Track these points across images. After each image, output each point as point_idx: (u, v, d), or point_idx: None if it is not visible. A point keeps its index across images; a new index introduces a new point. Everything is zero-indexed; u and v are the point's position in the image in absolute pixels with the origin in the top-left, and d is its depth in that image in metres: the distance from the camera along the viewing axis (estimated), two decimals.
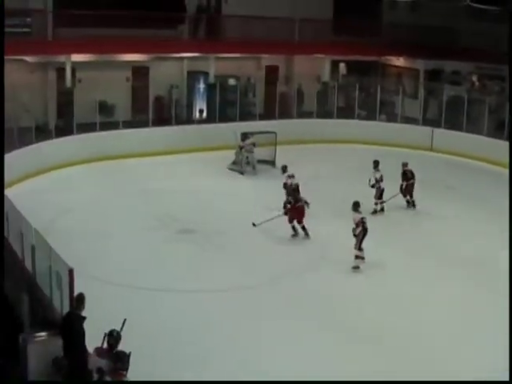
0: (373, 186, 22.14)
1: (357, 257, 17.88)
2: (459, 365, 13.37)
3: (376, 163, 22.53)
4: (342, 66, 38.46)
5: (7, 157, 22.14)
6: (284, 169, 22.07)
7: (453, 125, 31.84)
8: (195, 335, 14.20)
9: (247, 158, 27.41)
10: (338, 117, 33.61)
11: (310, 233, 19.90)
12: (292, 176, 21.21)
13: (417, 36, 34.98)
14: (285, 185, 21.18)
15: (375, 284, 17.15)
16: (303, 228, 20.03)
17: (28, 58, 29.15)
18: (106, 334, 10.51)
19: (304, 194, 20.60)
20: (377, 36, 36.33)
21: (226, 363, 13.22)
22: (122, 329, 10.40)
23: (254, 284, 16.83)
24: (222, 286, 16.60)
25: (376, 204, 22.57)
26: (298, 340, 14.11)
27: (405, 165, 23.29)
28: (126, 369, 10.18)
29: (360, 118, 34.02)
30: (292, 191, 20.64)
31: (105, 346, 10.51)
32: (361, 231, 17.84)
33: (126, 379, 10.29)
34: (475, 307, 15.83)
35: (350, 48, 35.22)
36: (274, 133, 28.23)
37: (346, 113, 33.91)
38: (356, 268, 17.85)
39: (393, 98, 35.48)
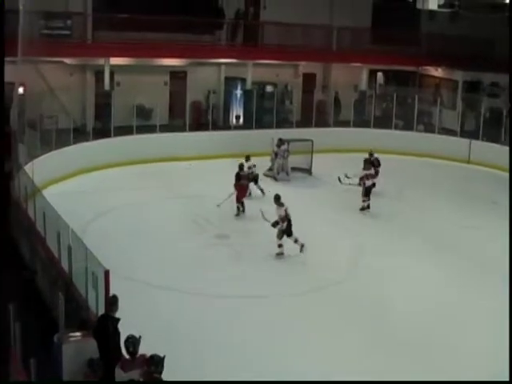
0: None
1: (280, 245, 18.69)
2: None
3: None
4: (379, 75, 38.31)
5: (45, 157, 22.52)
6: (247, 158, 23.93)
7: (491, 137, 31.43)
8: (231, 340, 14.07)
9: (282, 164, 27.26)
10: (375, 126, 33.39)
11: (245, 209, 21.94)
12: (254, 166, 23.69)
13: (455, 47, 34.73)
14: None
15: (414, 294, 16.91)
16: (242, 204, 22.11)
17: (67, 60, 29.36)
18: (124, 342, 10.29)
19: (339, 204, 20.46)
20: (415, 46, 36.19)
21: (262, 368, 13.04)
22: (162, 365, 9.94)
23: (291, 291, 16.68)
24: (259, 293, 16.46)
25: (363, 201, 23.21)
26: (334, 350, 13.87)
27: (371, 154, 25.34)
28: (160, 372, 10.04)
29: (397, 128, 33.77)
30: (246, 177, 22.90)
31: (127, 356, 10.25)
32: (285, 223, 18.62)
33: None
34: None
35: (388, 57, 35.14)
36: (311, 141, 28.04)
37: (383, 122, 33.67)
38: (280, 254, 18.71)
39: (431, 108, 35.24)
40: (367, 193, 23.37)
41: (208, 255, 18.83)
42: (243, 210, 22.22)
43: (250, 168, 23.52)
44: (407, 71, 37.73)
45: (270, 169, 27.57)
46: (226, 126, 32.23)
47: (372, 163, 24.39)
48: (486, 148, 31.28)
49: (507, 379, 11.47)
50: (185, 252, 18.92)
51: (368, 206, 23.33)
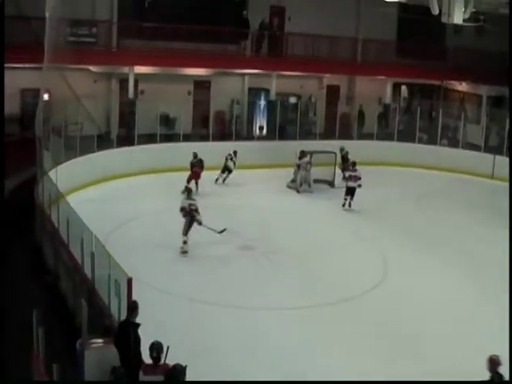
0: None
1: (184, 242, 19.23)
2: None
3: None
4: (403, 88, 38.30)
5: (69, 164, 22.62)
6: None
7: None
8: (248, 353, 14.04)
9: (304, 176, 27.23)
10: (399, 140, 33.28)
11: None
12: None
13: (481, 61, 34.65)
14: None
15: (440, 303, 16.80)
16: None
17: (92, 68, 29.52)
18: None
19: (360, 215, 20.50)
20: (440, 60, 36.12)
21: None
22: (166, 357, 10.14)
23: (309, 304, 16.60)
24: (279, 305, 16.43)
25: (345, 199, 24.71)
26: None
27: (342, 149, 28.12)
28: (182, 382, 10.03)
29: (421, 141, 33.65)
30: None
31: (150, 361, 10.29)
32: (187, 218, 19.28)
33: None
34: None
35: (412, 71, 35.15)
36: (334, 153, 28.04)
37: (407, 136, 33.56)
38: (184, 253, 19.14)
39: (455, 122, 35.12)
40: (348, 192, 24.66)
41: (228, 265, 18.85)
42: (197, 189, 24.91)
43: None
44: (431, 85, 37.70)
45: (293, 180, 27.56)
46: (250, 137, 32.35)
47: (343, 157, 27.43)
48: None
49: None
50: (206, 262, 18.97)
51: (349, 205, 24.66)
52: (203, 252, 19.64)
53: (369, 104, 34.64)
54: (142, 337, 10.79)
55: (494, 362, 10.73)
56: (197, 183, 25.55)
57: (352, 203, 24.81)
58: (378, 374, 13.08)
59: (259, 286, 17.64)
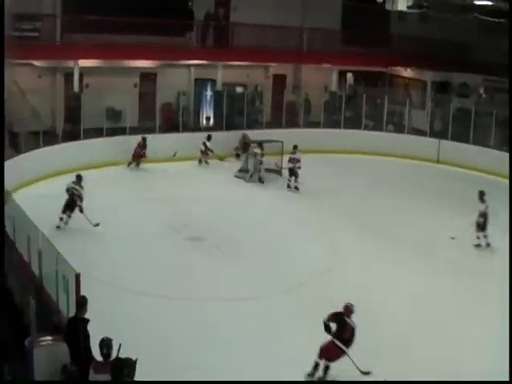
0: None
1: (60, 219, 20.22)
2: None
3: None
4: (349, 76, 38.56)
5: (14, 160, 22.38)
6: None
7: (460, 137, 31.73)
8: (199, 343, 14.13)
9: (255, 165, 27.38)
10: (345, 127, 33.65)
11: None
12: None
13: (425, 48, 35.10)
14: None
15: (395, 293, 17.07)
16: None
17: (36, 63, 29.21)
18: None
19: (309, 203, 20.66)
20: (385, 47, 36.51)
21: (234, 371, 13.08)
22: (118, 354, 10.08)
23: (262, 293, 16.78)
24: (230, 295, 16.59)
25: (289, 180, 26.11)
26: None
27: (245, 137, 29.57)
28: (132, 376, 10.06)
29: (367, 128, 34.05)
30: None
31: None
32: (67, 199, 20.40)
33: None
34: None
35: (357, 58, 35.44)
36: (281, 142, 28.18)
37: (353, 123, 33.95)
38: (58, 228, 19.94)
39: (400, 108, 35.50)
40: (290, 173, 26.07)
41: (179, 257, 18.89)
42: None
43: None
44: (377, 72, 37.96)
45: (241, 170, 27.65)
46: (197, 128, 32.33)
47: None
48: (455, 148, 31.59)
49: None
50: (160, 255, 18.96)
51: (296, 187, 25.80)
52: (152, 245, 19.66)
53: (315, 92, 34.90)
54: (91, 333, 10.79)
55: (347, 309, 12.83)
56: (137, 163, 27.44)
57: (298, 185, 25.74)
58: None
59: (211, 277, 17.72)
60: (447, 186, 27.77)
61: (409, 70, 37.97)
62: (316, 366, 12.99)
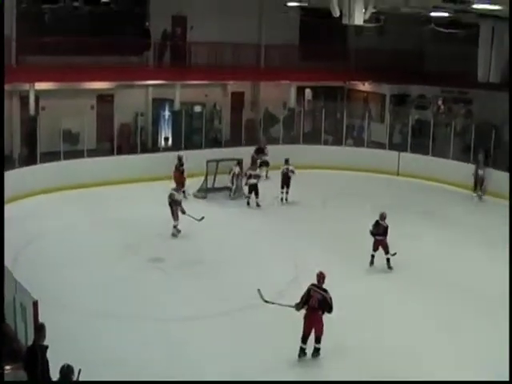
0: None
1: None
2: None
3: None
4: (307, 91, 38.93)
5: None
6: None
7: (419, 149, 32.22)
8: (160, 364, 14.29)
9: (235, 183, 27.98)
10: (305, 142, 34.02)
11: None
12: None
13: (383, 60, 35.51)
14: None
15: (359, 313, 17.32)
16: None
17: None
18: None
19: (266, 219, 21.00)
20: (343, 61, 36.84)
21: None
22: (78, 378, 10.25)
23: (223, 311, 17.00)
24: (191, 314, 16.78)
25: (248, 197, 26.70)
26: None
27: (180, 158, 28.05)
28: None
29: (327, 143, 34.49)
30: None
31: None
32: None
33: None
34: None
35: (315, 73, 35.68)
36: (241, 160, 28.48)
37: (312, 138, 34.34)
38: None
39: (360, 122, 36.02)
40: (250, 190, 26.54)
41: (139, 279, 19.01)
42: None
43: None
44: (335, 86, 38.47)
45: (200, 189, 27.91)
46: (155, 149, 32.54)
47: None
48: (415, 160, 32.11)
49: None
50: (120, 277, 19.05)
51: (257, 204, 26.39)
52: (111, 267, 19.80)
53: (274, 109, 35.35)
54: (51, 358, 10.88)
55: (321, 276, 14.40)
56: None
57: (259, 201, 26.30)
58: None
59: (171, 297, 17.90)
60: (406, 195, 28.36)
61: (366, 83, 38.55)
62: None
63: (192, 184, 27.69)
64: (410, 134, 32.95)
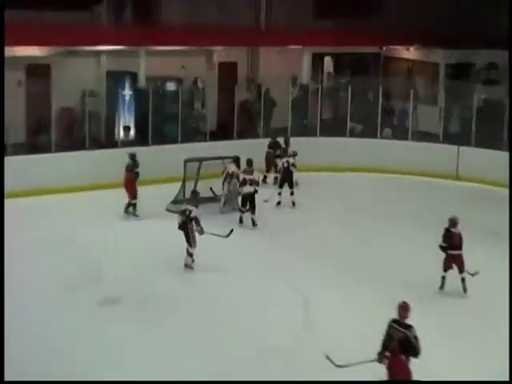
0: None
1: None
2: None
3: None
4: (327, 61, 39.04)
5: None
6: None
7: (487, 141, 32.06)
8: None
9: (228, 189, 28.02)
10: (323, 134, 33.98)
11: None
12: None
13: (436, 16, 35.50)
14: None
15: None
16: None
17: None
18: None
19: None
20: (377, 18, 36.83)
21: None
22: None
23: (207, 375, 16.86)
24: (153, 373, 16.69)
25: (241, 211, 26.70)
26: None
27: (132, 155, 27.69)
28: None
29: (354, 134, 34.55)
30: None
31: None
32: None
33: None
34: None
35: (338, 35, 35.84)
36: (236, 157, 28.41)
37: (333, 128, 34.41)
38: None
39: (401, 105, 35.88)
40: (244, 201, 26.63)
41: (90, 326, 18.81)
42: None
43: None
44: (366, 54, 38.51)
45: (175, 200, 27.85)
46: (111, 143, 32.36)
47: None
48: (481, 157, 32.00)
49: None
50: (57, 325, 18.84)
51: (253, 222, 26.44)
52: (52, 312, 19.60)
53: (279, 87, 34.94)
54: None
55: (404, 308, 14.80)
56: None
57: (255, 218, 26.28)
58: None
59: (129, 349, 17.80)
60: (468, 210, 28.11)
61: (412, 49, 38.47)
62: None
63: (164, 193, 27.62)
64: (475, 121, 32.80)
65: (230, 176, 27.70)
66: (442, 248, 20.72)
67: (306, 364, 16.67)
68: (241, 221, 26.33)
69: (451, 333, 18.66)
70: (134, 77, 33.80)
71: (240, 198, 26.71)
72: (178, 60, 34.60)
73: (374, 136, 34.26)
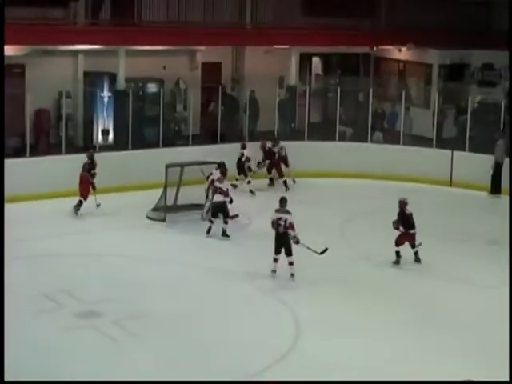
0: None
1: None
2: None
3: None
4: (315, 61, 38.98)
5: None
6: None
7: (483, 146, 31.89)
8: None
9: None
10: (311, 138, 33.93)
11: None
12: None
13: (429, 14, 35.46)
14: None
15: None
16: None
17: None
18: None
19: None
20: (368, 17, 36.74)
21: None
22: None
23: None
24: None
25: (211, 221, 26.18)
26: None
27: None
28: None
29: (344, 138, 34.44)
30: None
31: None
32: None
33: None
34: None
35: (327, 34, 35.75)
36: (220, 163, 28.08)
37: (322, 131, 34.36)
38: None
39: (392, 107, 35.76)
40: (214, 212, 26.16)
41: (66, 344, 18.51)
42: None
43: None
44: (357, 54, 38.44)
45: (156, 207, 27.64)
46: (88, 147, 31.92)
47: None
48: (476, 162, 31.76)
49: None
50: (35, 341, 18.50)
51: (223, 233, 25.96)
52: (28, 328, 19.37)
53: (265, 88, 34.92)
54: None
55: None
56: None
57: (227, 228, 25.91)
58: None
59: (107, 368, 17.41)
60: (462, 218, 28.05)
61: (404, 49, 38.39)
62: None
63: (141, 201, 27.40)
64: (470, 124, 32.65)
65: (213, 182, 27.34)
66: (397, 227, 23.25)
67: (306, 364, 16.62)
68: (208, 231, 25.82)
69: (449, 334, 18.94)
70: (112, 78, 33.66)
71: (211, 208, 26.30)
72: (159, 60, 34.73)
73: (365, 140, 34.17)
